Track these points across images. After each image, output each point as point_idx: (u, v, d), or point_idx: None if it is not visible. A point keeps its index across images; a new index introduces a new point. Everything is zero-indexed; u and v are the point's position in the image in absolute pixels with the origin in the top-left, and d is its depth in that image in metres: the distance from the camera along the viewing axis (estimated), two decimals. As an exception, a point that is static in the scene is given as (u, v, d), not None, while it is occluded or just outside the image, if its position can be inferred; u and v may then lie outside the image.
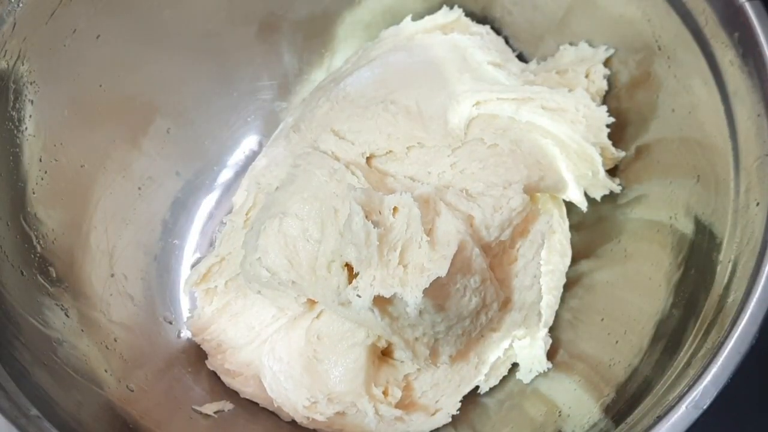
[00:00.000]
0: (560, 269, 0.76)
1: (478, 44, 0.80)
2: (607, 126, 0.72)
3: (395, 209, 0.62)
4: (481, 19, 0.83)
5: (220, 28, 0.78)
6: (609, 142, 0.72)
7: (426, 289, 0.59)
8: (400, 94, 0.75)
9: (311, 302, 0.72)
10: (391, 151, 0.73)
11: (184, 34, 0.76)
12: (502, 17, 0.82)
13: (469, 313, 0.65)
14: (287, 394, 0.72)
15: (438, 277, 0.59)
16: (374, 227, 0.60)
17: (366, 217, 0.60)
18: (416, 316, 0.62)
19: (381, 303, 0.62)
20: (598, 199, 0.75)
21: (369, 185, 0.68)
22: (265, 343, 0.75)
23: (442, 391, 0.73)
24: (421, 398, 0.73)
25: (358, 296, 0.61)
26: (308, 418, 0.72)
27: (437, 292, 0.61)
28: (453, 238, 0.62)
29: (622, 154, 0.73)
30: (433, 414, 0.72)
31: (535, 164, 0.72)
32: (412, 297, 0.59)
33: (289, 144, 0.78)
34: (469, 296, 0.64)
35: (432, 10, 0.82)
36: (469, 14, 0.83)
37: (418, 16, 0.82)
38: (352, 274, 0.63)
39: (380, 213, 0.62)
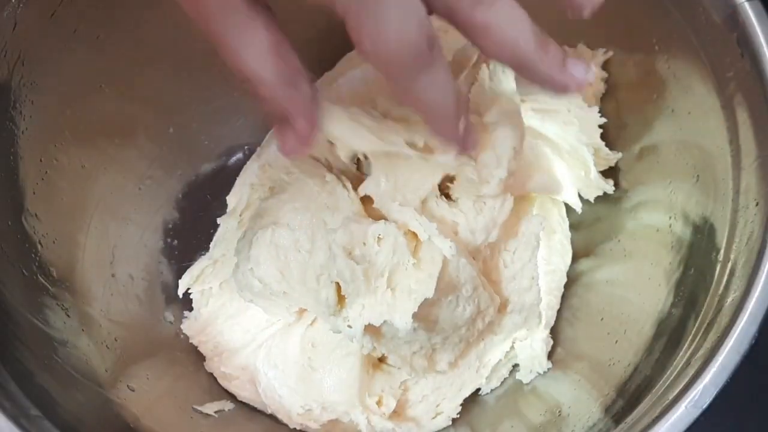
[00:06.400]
0: (561, 269, 0.76)
1: (471, 46, 0.79)
2: (600, 127, 0.72)
3: (380, 236, 0.61)
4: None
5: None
6: (602, 143, 0.72)
7: (415, 312, 0.59)
8: (389, 94, 0.74)
9: (303, 311, 0.72)
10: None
11: (185, 34, 0.76)
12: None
13: (465, 322, 0.65)
14: (281, 401, 0.72)
15: (426, 298, 0.59)
16: (358, 264, 0.59)
17: (350, 253, 0.60)
18: (410, 335, 0.62)
19: (372, 329, 0.62)
20: (592, 200, 0.75)
21: (357, 197, 0.67)
22: (261, 348, 0.75)
23: (443, 394, 0.73)
24: (422, 402, 0.73)
25: (349, 326, 0.61)
26: (302, 424, 0.72)
27: (428, 310, 0.61)
28: (437, 254, 0.61)
29: (618, 155, 0.73)
30: (434, 418, 0.72)
31: (525, 165, 0.72)
32: (402, 322, 0.59)
33: (283, 145, 0.77)
34: (462, 306, 0.63)
35: (428, 14, 0.82)
36: (464, 18, 0.82)
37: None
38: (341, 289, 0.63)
39: (364, 244, 0.61)
